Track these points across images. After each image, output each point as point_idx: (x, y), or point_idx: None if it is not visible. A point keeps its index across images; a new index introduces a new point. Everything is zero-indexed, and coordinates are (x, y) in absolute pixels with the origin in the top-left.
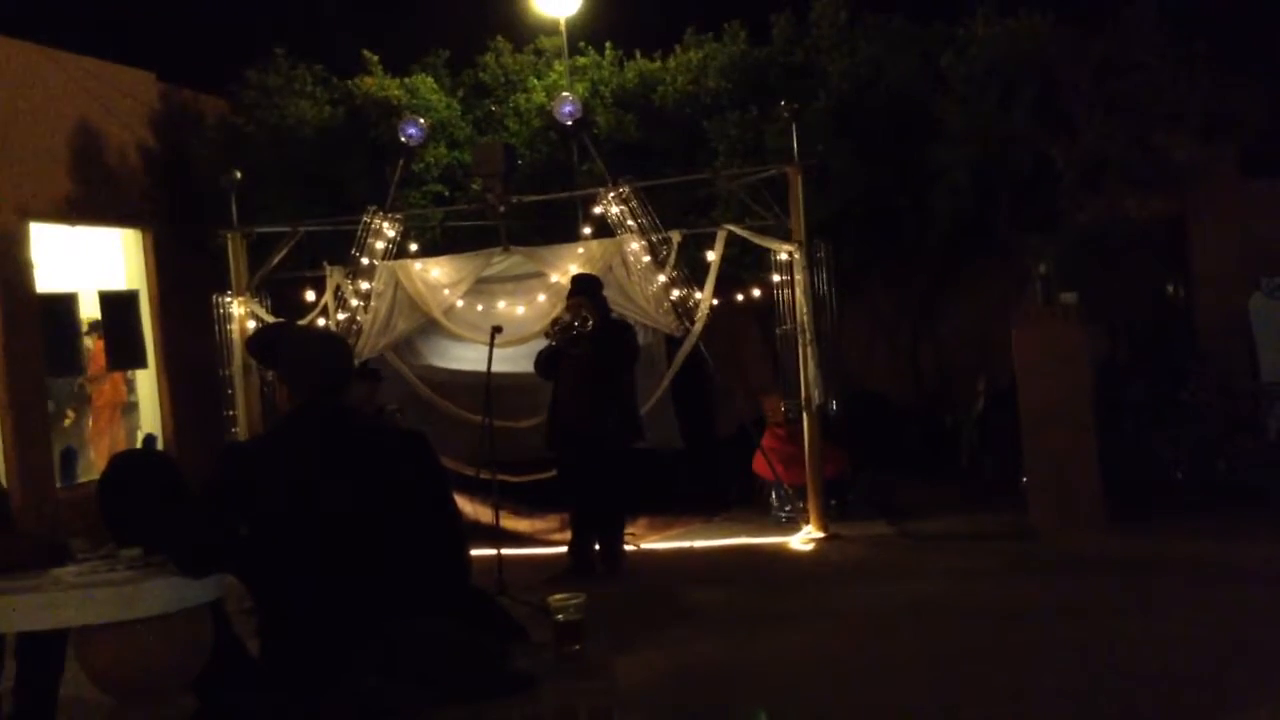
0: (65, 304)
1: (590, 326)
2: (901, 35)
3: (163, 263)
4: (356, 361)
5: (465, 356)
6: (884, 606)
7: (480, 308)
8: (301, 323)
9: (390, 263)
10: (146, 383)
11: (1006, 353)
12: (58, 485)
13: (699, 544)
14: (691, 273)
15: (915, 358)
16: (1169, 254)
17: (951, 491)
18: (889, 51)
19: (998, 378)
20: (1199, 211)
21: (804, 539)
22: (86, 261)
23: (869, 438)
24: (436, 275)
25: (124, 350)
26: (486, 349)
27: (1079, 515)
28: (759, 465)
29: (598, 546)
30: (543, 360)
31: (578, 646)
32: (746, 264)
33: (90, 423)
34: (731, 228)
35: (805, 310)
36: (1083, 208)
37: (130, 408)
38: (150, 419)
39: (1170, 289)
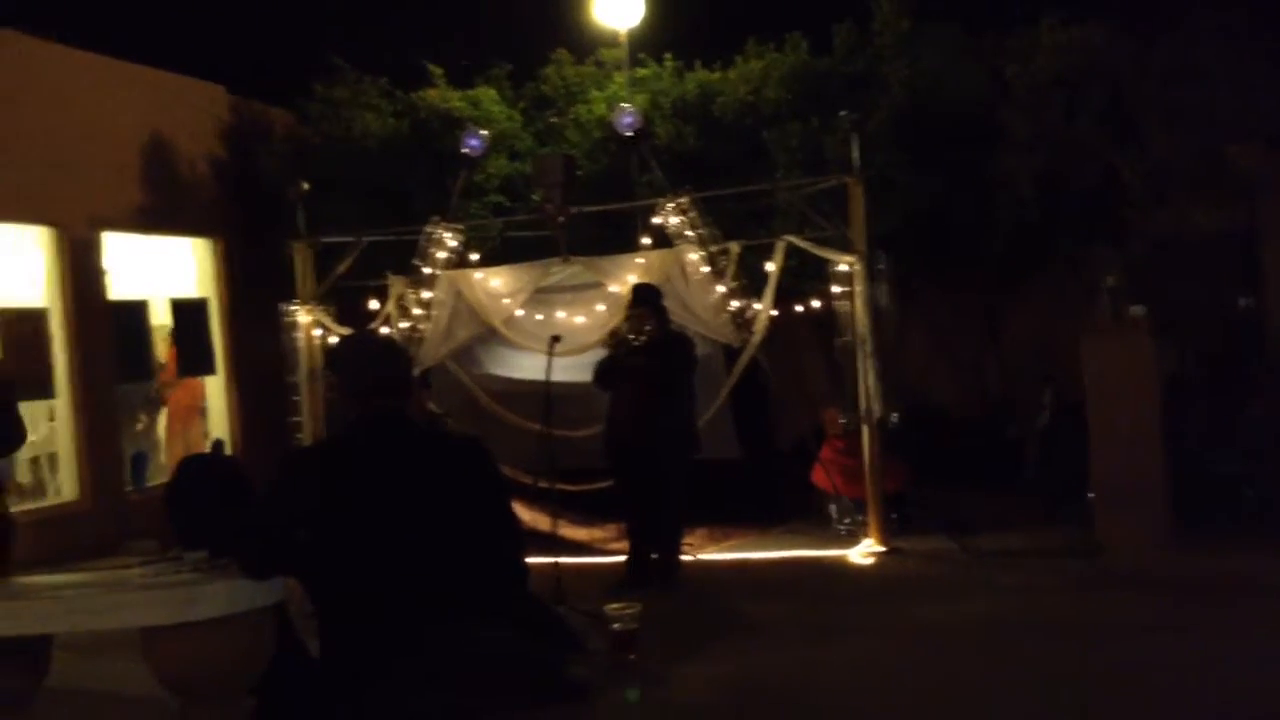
0: (136, 311)
1: (646, 338)
2: (964, 44)
3: (232, 271)
4: (417, 370)
5: (524, 365)
6: (944, 623)
7: (539, 317)
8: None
9: (451, 272)
10: (216, 389)
11: (1072, 366)
12: (129, 488)
13: (756, 556)
14: (750, 283)
15: (979, 370)
16: (1240, 266)
17: (1015, 506)
18: (951, 61)
19: (1063, 391)
20: (1270, 223)
21: (863, 553)
22: (158, 269)
23: (931, 451)
24: (497, 285)
25: (194, 357)
26: (545, 358)
27: (1147, 532)
28: (818, 477)
29: (654, 557)
30: (601, 372)
31: (633, 656)
32: (806, 275)
33: (161, 427)
34: (791, 239)
35: (865, 321)
36: (1150, 219)
37: (200, 413)
38: (219, 424)
39: (1241, 302)
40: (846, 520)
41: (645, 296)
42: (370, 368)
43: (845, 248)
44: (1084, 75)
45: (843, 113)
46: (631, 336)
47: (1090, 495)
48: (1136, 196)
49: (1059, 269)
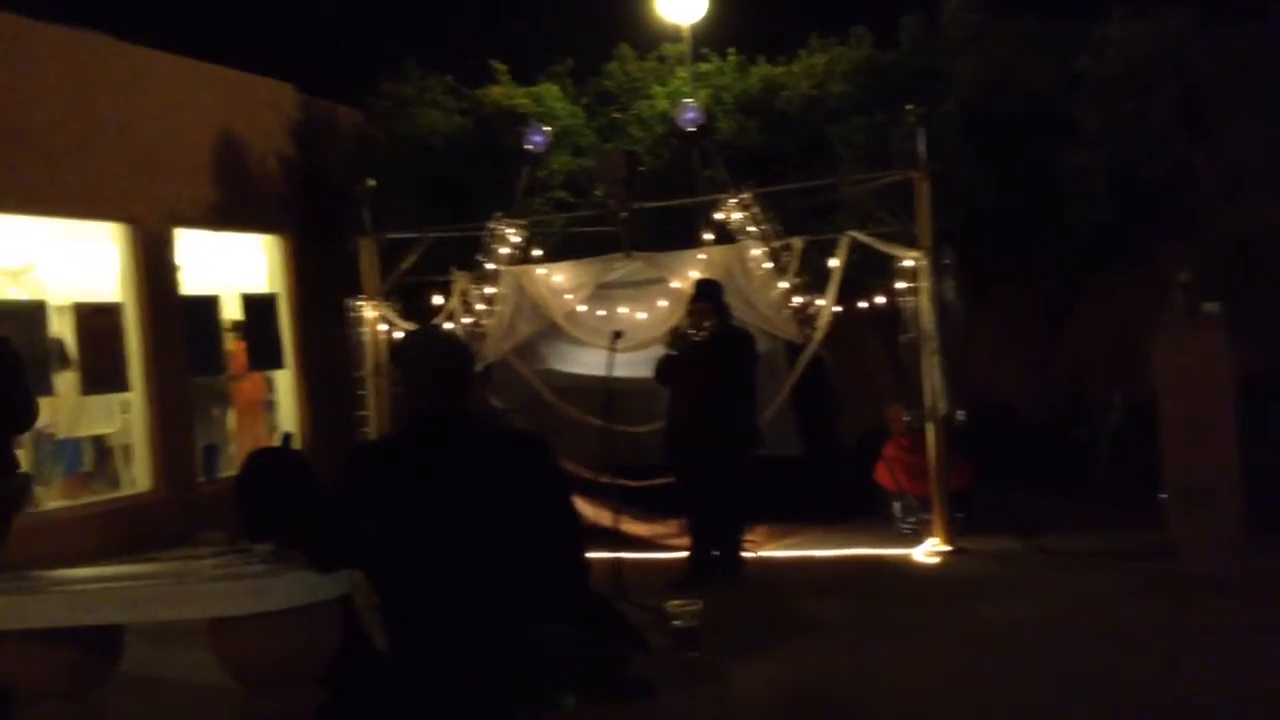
0: (208, 306)
1: (705, 334)
2: (1034, 36)
3: (300, 267)
4: (479, 365)
5: (586, 361)
6: (1009, 624)
7: (601, 313)
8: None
9: (514, 268)
10: (284, 383)
11: (1144, 364)
12: (200, 479)
13: (819, 553)
14: (814, 279)
15: (1047, 368)
16: None
17: (1084, 507)
18: (1021, 53)
19: (1134, 390)
20: None
21: (928, 552)
22: (229, 265)
23: (998, 449)
24: (559, 280)
25: (263, 351)
26: (607, 353)
27: (1219, 535)
28: (881, 475)
29: (716, 554)
30: (662, 368)
31: (695, 654)
32: (870, 270)
33: (232, 420)
34: (855, 234)
35: (930, 318)
36: (1225, 214)
37: (269, 406)
38: (287, 417)
39: None
40: (910, 519)
41: (706, 291)
42: (431, 364)
43: (910, 243)
44: (1158, 67)
45: (909, 106)
46: (691, 332)
47: (1162, 496)
48: (1211, 191)
49: (1130, 265)
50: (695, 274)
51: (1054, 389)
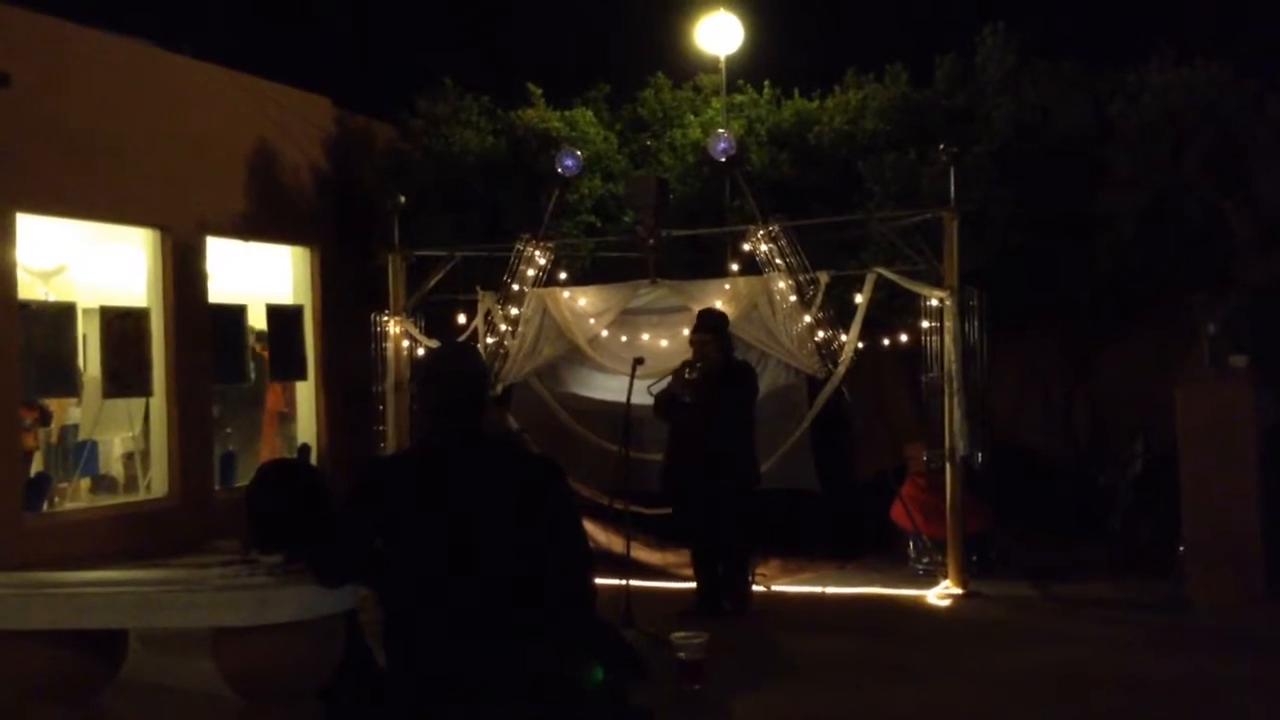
0: (234, 315)
1: (698, 374)
2: (1070, 80)
3: (327, 280)
4: (499, 387)
5: (606, 386)
6: (1019, 671)
7: (624, 338)
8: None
9: (540, 290)
10: (305, 395)
11: (1167, 414)
12: (216, 487)
13: (831, 590)
14: (838, 314)
15: (1070, 413)
16: None
17: (1102, 556)
18: (1057, 97)
19: (1157, 439)
20: None
21: (941, 594)
22: (257, 275)
23: (1017, 494)
24: (584, 304)
25: (286, 362)
26: (627, 379)
27: (1238, 589)
28: (897, 514)
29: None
30: (660, 402)
31: (697, 686)
32: (895, 308)
33: (252, 429)
34: (881, 270)
35: (954, 358)
36: (1256, 267)
37: (289, 418)
38: (307, 429)
39: None
40: (925, 559)
41: (709, 323)
42: (444, 384)
43: (937, 282)
44: (1194, 116)
45: (942, 145)
46: (687, 372)
47: (1181, 549)
48: (1242, 244)
49: (1158, 314)
50: (719, 304)
51: (1076, 434)
